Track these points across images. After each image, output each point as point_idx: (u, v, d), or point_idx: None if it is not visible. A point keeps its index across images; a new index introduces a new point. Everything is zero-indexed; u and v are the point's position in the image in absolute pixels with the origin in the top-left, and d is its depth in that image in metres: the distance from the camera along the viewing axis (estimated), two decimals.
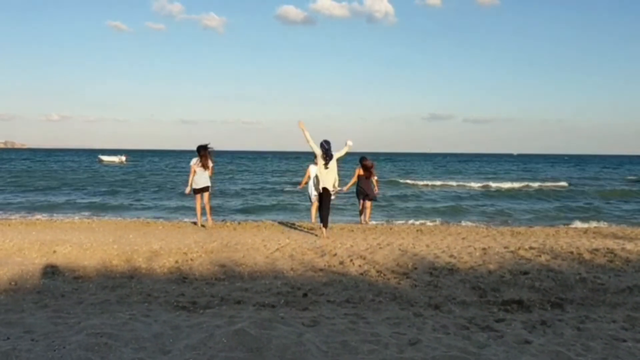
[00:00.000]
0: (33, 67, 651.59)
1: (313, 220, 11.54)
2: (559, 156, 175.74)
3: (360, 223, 11.89)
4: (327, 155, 9.65)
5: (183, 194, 13.90)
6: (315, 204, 11.00)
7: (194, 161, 10.48)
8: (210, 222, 10.74)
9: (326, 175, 9.65)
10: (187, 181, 10.74)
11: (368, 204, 11.89)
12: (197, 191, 10.51)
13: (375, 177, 11.91)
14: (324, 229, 9.53)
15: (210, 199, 10.79)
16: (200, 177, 10.44)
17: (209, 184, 10.54)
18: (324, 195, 9.74)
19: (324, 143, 9.74)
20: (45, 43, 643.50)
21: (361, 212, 12.08)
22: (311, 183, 11.31)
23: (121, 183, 29.24)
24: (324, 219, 9.65)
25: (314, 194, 11.04)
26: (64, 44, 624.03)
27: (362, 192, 11.68)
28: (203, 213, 10.74)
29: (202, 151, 10.41)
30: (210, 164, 10.52)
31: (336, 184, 9.99)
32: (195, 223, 11.04)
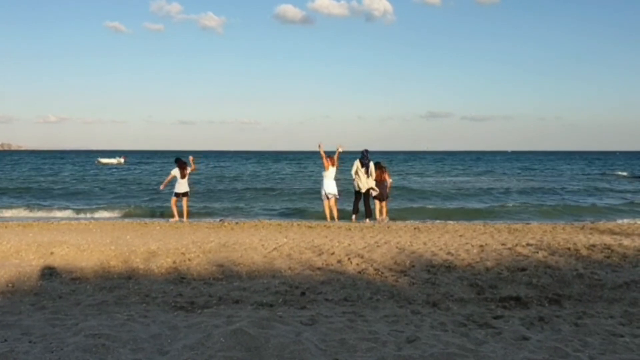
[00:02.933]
0: (30, 68, 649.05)
1: (328, 218, 12.58)
2: (554, 152, 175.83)
3: (377, 221, 12.55)
4: (364, 164, 12.17)
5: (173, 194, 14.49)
6: (327, 202, 12.65)
7: (175, 171, 12.83)
8: (185, 220, 12.58)
9: (366, 180, 12.25)
10: (170, 183, 13.26)
11: (383, 203, 12.85)
12: (178, 195, 12.88)
13: (390, 180, 13.06)
14: (367, 220, 12.14)
15: (188, 201, 13.17)
16: (182, 185, 12.82)
17: (188, 189, 13.00)
18: (364, 194, 12.33)
19: (364, 152, 12.38)
20: (43, 44, 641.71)
21: (378, 211, 12.92)
22: (324, 182, 12.52)
23: (119, 184, 29.20)
24: (367, 213, 12.33)
25: (328, 192, 12.54)
26: (62, 44, 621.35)
27: (377, 193, 12.64)
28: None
29: (182, 164, 12.88)
30: (190, 169, 12.97)
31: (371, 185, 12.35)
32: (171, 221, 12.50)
